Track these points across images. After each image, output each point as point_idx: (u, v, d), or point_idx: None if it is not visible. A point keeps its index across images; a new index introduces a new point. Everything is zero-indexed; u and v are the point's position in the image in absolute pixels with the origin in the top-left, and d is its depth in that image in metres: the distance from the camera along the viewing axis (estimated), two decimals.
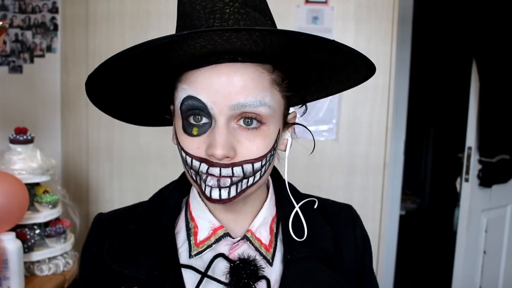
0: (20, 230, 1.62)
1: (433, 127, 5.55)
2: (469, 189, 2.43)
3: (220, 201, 0.62)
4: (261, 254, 0.69)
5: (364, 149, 2.24)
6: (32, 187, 1.75)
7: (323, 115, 2.19)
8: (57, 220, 1.77)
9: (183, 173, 0.77)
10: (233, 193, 0.62)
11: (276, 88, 0.63)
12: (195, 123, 0.62)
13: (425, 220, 5.19)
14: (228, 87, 0.59)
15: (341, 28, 2.20)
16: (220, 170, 0.61)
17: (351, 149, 2.24)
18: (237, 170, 0.61)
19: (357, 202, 2.16)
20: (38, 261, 1.68)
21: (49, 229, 1.70)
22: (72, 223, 1.89)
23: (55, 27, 2.30)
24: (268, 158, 0.64)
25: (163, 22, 2.24)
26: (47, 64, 2.31)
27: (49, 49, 2.31)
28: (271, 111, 0.62)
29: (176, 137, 0.65)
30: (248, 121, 0.61)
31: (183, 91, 0.62)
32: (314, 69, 0.68)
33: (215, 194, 0.62)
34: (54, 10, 2.29)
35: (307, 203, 0.74)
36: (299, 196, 0.75)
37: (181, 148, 0.63)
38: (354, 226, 0.77)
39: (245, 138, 0.61)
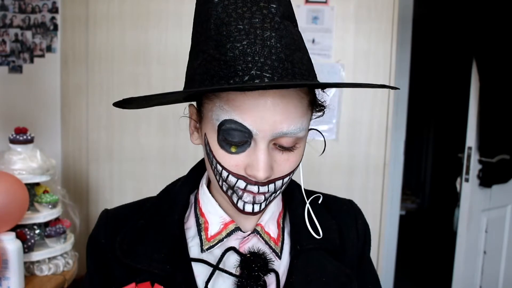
0: (20, 230, 1.62)
1: (433, 127, 5.55)
2: (469, 189, 2.43)
3: (252, 213, 0.65)
4: (270, 247, 0.71)
5: (364, 149, 2.24)
6: (32, 187, 1.75)
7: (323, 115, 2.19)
8: (57, 220, 1.77)
9: (192, 170, 0.78)
10: (263, 206, 0.66)
11: (310, 109, 0.66)
12: (232, 140, 0.61)
13: (425, 220, 5.20)
14: (274, 116, 0.60)
15: (341, 28, 2.20)
16: (259, 188, 0.63)
17: (351, 149, 2.24)
18: (271, 187, 0.64)
19: (357, 202, 2.15)
20: (38, 261, 1.68)
21: (49, 229, 1.70)
22: (72, 223, 1.89)
23: (55, 27, 2.30)
24: (294, 171, 0.67)
25: (163, 22, 2.24)
26: (47, 64, 2.31)
27: (49, 49, 2.31)
28: (305, 132, 0.65)
29: (209, 148, 0.65)
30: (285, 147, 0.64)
31: (223, 111, 0.61)
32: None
33: (248, 208, 0.65)
34: (54, 10, 2.29)
35: (311, 198, 0.77)
36: (305, 192, 0.78)
37: (216, 162, 0.64)
38: (356, 219, 0.80)
39: (281, 158, 0.64)
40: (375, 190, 2.25)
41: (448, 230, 3.40)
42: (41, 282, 1.63)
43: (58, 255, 1.72)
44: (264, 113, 0.59)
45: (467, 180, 2.43)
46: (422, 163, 5.74)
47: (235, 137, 0.61)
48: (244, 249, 0.70)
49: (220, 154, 0.63)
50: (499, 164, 2.45)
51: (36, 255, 1.65)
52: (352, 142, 2.24)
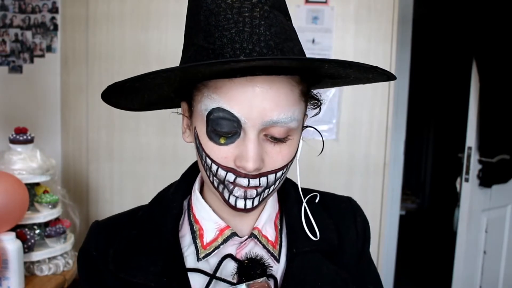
0: (20, 230, 1.62)
1: (433, 127, 5.55)
2: (469, 189, 2.43)
3: (244, 210, 0.63)
4: (268, 251, 0.69)
5: (364, 149, 2.24)
6: (32, 187, 1.75)
7: (323, 115, 2.19)
8: (57, 220, 1.77)
9: (183, 175, 0.76)
10: (256, 202, 0.63)
11: (302, 99, 0.64)
12: (221, 130, 0.60)
13: (425, 220, 5.20)
14: (263, 103, 0.58)
15: (341, 28, 2.20)
16: (249, 181, 0.61)
17: (351, 149, 2.24)
18: (263, 181, 0.62)
19: (357, 202, 2.16)
20: (38, 261, 1.68)
21: (49, 229, 1.70)
22: (72, 223, 1.89)
23: (55, 27, 2.30)
24: (288, 166, 0.65)
25: (163, 22, 2.24)
26: (47, 64, 2.31)
27: (49, 49, 2.31)
28: (298, 123, 0.63)
29: (199, 141, 0.63)
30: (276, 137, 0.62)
31: (211, 100, 0.59)
32: (340, 79, 0.68)
33: (240, 204, 0.62)
34: (54, 10, 2.29)
35: (308, 197, 0.75)
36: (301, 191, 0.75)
37: (206, 155, 0.62)
38: (355, 217, 0.78)
39: (273, 150, 0.62)
40: (375, 190, 2.25)
41: (448, 230, 3.40)
42: (41, 282, 1.63)
43: (58, 255, 1.72)
44: (253, 101, 0.58)
45: (467, 180, 2.43)
46: (422, 163, 5.74)
47: (224, 126, 0.59)
48: (241, 255, 0.68)
49: (209, 146, 0.61)
50: (499, 164, 2.45)
51: (36, 255, 1.65)
52: (352, 142, 2.24)
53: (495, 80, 2.34)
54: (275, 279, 0.67)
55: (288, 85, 0.60)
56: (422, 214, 5.40)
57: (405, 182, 3.48)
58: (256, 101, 0.58)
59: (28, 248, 1.63)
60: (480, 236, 2.54)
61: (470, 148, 2.42)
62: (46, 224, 1.75)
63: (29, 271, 1.66)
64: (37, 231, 1.73)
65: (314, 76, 0.65)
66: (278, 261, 0.70)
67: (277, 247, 0.70)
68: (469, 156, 2.42)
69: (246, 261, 0.66)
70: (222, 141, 0.60)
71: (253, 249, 0.68)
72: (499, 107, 2.37)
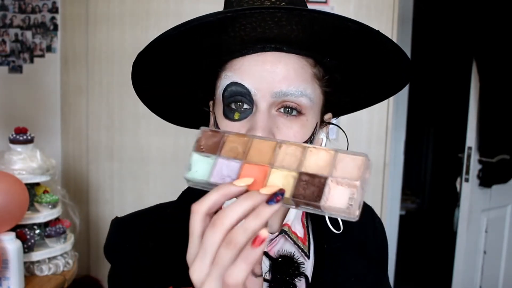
0: (20, 230, 1.62)
1: (433, 127, 5.55)
2: (469, 189, 2.43)
3: None
4: (298, 247, 0.70)
5: (364, 149, 2.24)
6: (32, 187, 1.75)
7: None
8: (57, 220, 1.77)
9: None
10: None
11: (316, 82, 0.66)
12: (235, 104, 0.63)
13: (425, 220, 5.20)
14: (272, 75, 0.62)
15: None
16: None
17: (351, 149, 2.24)
18: None
19: None
20: (38, 261, 1.68)
21: (49, 229, 1.70)
22: (72, 223, 1.89)
23: (55, 27, 2.30)
24: None
25: (163, 22, 2.24)
26: (47, 64, 2.32)
27: (49, 49, 2.31)
28: (311, 103, 0.64)
29: (216, 124, 0.66)
30: (288, 110, 0.63)
31: (227, 78, 0.64)
32: (352, 63, 0.69)
33: None
34: (54, 10, 2.30)
35: None
36: None
37: None
38: (373, 218, 0.81)
39: (284, 125, 0.63)
40: (375, 190, 2.25)
41: (448, 230, 3.40)
42: (41, 282, 1.63)
43: (58, 255, 1.72)
44: (263, 73, 0.62)
45: (467, 180, 2.43)
46: (422, 163, 5.74)
47: (237, 100, 0.62)
48: (273, 251, 0.68)
49: (223, 124, 0.64)
50: (499, 164, 2.45)
51: (36, 255, 1.65)
52: (352, 142, 2.24)
53: (495, 80, 2.34)
54: (306, 277, 0.67)
55: (298, 62, 0.63)
56: (422, 214, 5.40)
57: (405, 182, 3.48)
58: (265, 73, 0.62)
59: (28, 248, 1.63)
60: (480, 236, 2.54)
61: (470, 148, 2.42)
62: (46, 224, 1.75)
63: (29, 271, 1.66)
64: (37, 231, 1.73)
65: (331, 55, 0.66)
66: (308, 257, 0.70)
67: (307, 243, 0.71)
68: (469, 156, 2.42)
69: (280, 259, 0.67)
70: (236, 116, 0.63)
71: (283, 245, 0.69)
72: (499, 107, 2.37)
